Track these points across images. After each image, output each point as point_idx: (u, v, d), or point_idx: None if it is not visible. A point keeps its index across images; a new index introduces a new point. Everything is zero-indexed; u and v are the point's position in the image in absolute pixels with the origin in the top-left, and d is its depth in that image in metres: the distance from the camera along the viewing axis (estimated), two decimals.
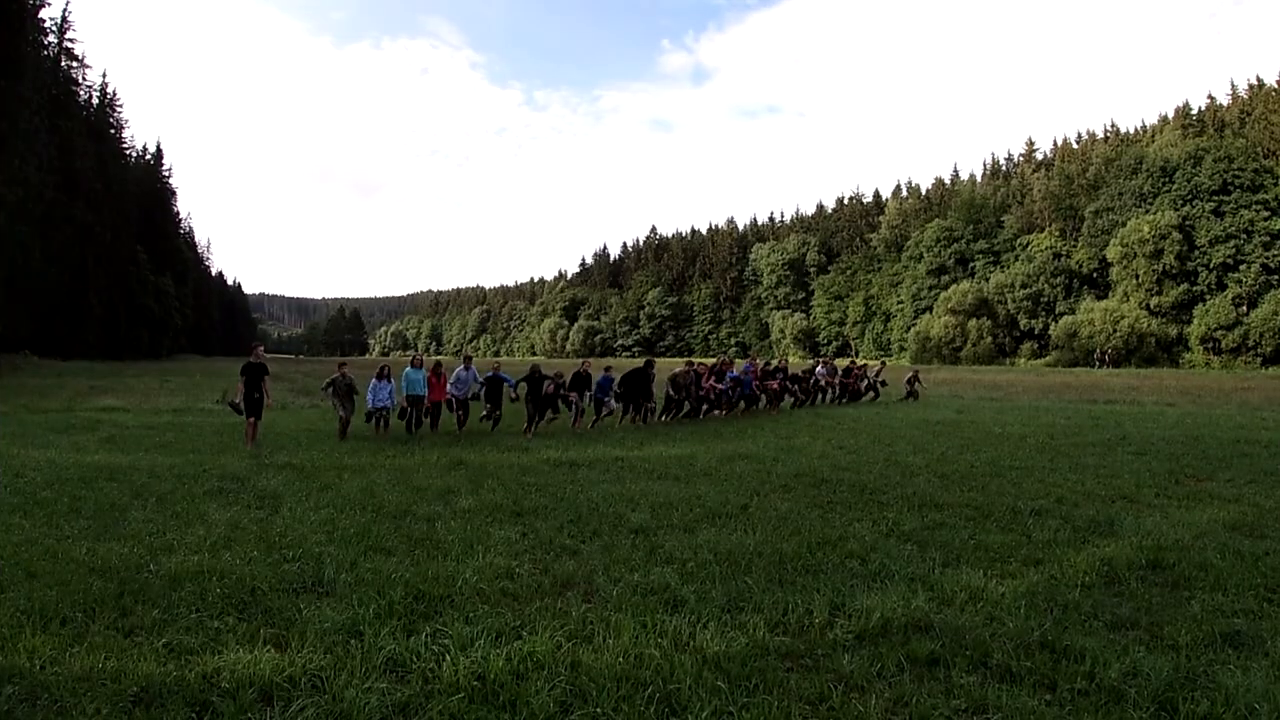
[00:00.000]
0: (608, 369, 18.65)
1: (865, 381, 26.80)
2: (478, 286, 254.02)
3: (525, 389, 16.23)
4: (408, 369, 15.87)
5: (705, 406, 20.20)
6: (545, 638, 4.48)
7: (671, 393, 19.25)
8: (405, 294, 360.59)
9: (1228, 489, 9.97)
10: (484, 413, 16.74)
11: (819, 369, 25.45)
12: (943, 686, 4.07)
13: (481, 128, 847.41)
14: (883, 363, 31.27)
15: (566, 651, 4.35)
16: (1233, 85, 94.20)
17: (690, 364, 20.38)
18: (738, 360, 24.88)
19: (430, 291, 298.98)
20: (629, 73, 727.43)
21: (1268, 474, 11.11)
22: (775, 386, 22.34)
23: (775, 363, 24.72)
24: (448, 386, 16.23)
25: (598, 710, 3.71)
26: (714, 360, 21.86)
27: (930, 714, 3.77)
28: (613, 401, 17.80)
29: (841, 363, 29.35)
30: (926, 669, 4.28)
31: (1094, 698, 3.95)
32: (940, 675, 4.20)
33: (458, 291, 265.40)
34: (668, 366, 19.63)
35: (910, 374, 28.86)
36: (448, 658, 4.22)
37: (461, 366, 16.65)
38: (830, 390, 25.55)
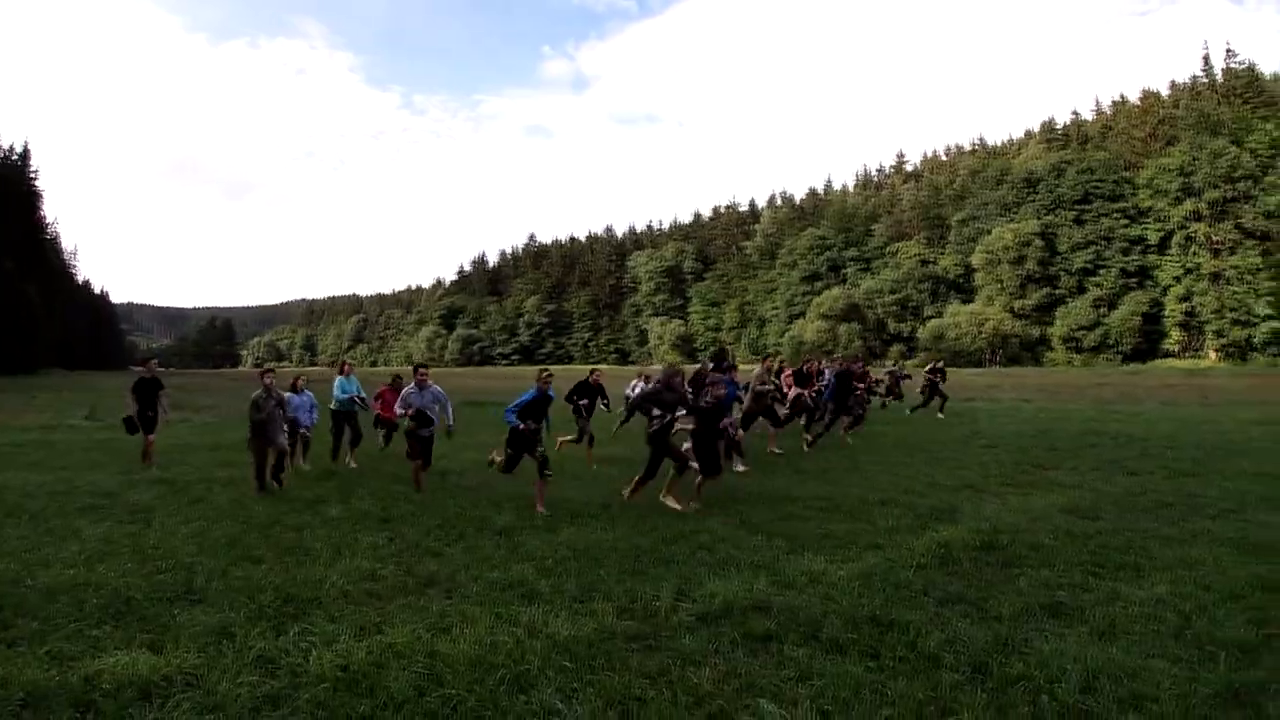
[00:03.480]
0: (720, 362, 12.80)
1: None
2: (353, 295, 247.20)
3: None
4: (339, 378, 14.02)
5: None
6: (405, 631, 4.74)
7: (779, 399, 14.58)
8: (278, 302, 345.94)
9: (1070, 477, 10.70)
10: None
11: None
12: (774, 659, 4.43)
13: (358, 130, 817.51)
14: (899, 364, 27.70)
15: (425, 642, 4.59)
16: (1097, 101, 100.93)
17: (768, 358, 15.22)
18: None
19: (304, 300, 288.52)
20: (510, 79, 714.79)
21: (1111, 462, 11.91)
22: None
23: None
24: (396, 406, 11.82)
25: (451, 691, 3.97)
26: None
27: (758, 682, 4.12)
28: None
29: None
30: (761, 644, 4.65)
31: (913, 663, 4.33)
32: (773, 649, 4.56)
33: (333, 300, 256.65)
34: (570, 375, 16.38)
35: (933, 364, 23.48)
36: (314, 653, 4.43)
37: (413, 385, 11.26)
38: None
